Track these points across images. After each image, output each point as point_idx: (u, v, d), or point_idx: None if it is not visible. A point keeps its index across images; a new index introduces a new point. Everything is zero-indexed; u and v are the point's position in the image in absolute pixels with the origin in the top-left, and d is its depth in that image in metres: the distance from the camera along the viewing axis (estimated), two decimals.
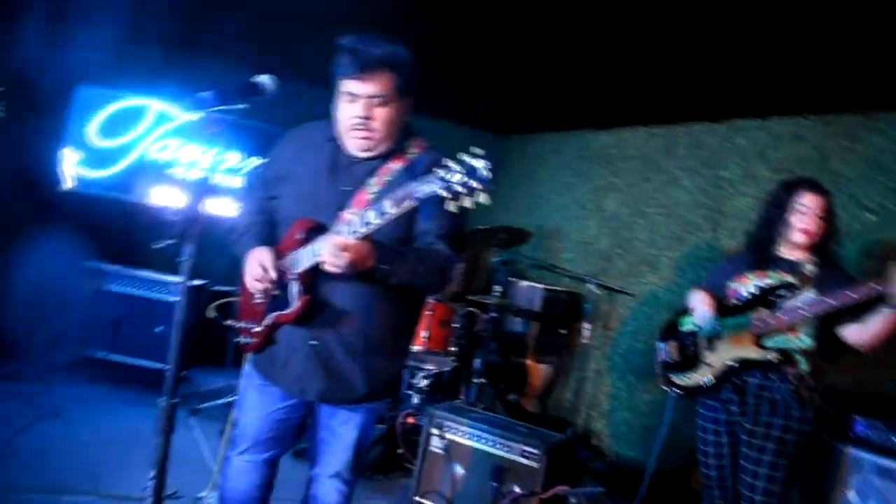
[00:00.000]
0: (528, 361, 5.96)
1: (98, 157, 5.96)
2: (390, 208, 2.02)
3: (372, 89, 2.24)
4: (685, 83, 4.96)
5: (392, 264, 2.23)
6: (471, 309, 5.44)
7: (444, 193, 1.86)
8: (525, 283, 6.11)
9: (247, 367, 2.58)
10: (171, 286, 5.64)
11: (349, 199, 2.31)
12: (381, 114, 2.27)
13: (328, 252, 2.13)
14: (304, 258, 2.29)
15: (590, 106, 6.06)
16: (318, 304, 2.30)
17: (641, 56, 4.86)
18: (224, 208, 5.86)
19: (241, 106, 2.21)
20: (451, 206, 1.88)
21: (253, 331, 2.48)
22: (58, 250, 5.68)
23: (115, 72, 6.01)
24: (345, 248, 2.12)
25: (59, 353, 5.59)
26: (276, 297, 2.37)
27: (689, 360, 3.44)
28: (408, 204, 1.98)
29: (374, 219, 2.07)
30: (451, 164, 1.87)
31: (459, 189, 1.85)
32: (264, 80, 2.26)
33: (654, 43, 4.66)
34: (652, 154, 5.90)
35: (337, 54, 2.26)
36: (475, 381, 5.23)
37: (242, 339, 2.53)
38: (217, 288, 5.65)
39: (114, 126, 5.96)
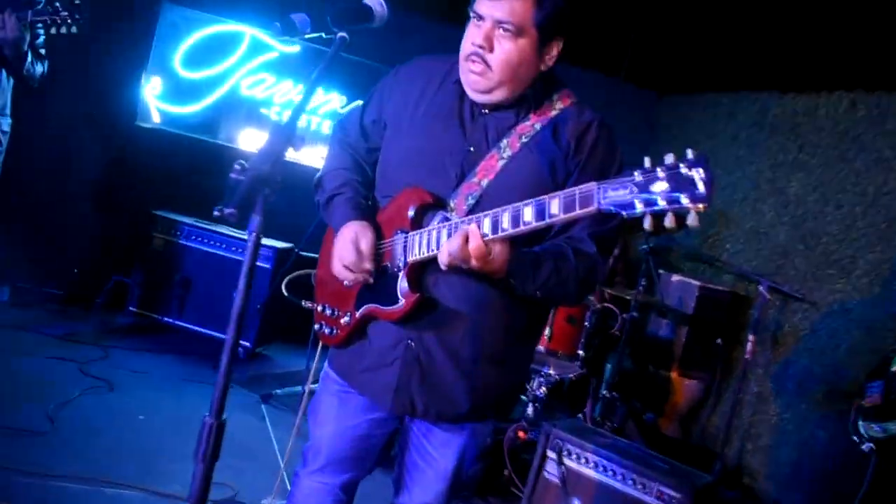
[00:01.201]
0: (672, 374, 5.81)
1: (182, 90, 6.06)
2: (556, 210, 1.86)
3: (501, 11, 2.09)
4: None
5: (524, 280, 2.12)
6: (607, 305, 5.31)
7: (641, 209, 1.67)
8: (677, 278, 5.92)
9: (325, 367, 2.50)
10: (260, 247, 5.61)
11: (475, 163, 2.19)
12: (504, 48, 2.12)
13: (452, 254, 2.00)
14: (415, 245, 2.19)
15: (774, 61, 5.84)
16: (426, 298, 2.21)
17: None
18: (319, 160, 5.84)
19: (342, 35, 2.06)
20: (647, 224, 1.67)
21: (339, 321, 2.38)
22: (127, 193, 5.83)
23: None
24: (477, 255, 1.98)
25: (120, 314, 5.72)
26: (372, 284, 2.28)
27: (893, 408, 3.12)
28: (582, 213, 1.81)
29: (530, 218, 1.92)
30: (658, 171, 1.64)
31: (663, 206, 1.63)
32: (374, 2, 2.13)
33: None
34: (854, 127, 5.50)
35: None
36: (604, 393, 5.08)
37: (323, 328, 2.44)
38: (306, 253, 5.58)
39: (202, 55, 6.04)
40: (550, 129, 2.19)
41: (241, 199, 1.54)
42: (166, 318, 5.73)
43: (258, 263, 5.65)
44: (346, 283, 2.32)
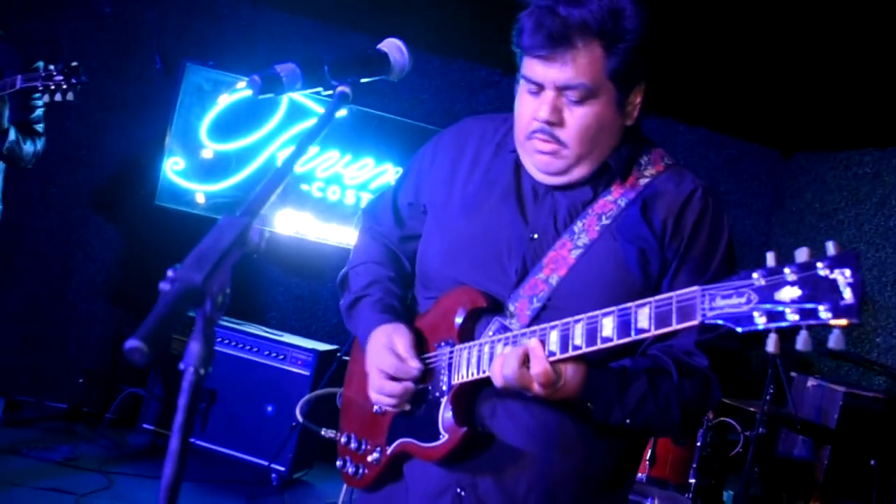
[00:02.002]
0: None
1: (209, 165, 6.08)
2: (645, 323, 1.73)
3: (565, 74, 1.95)
4: None
5: (609, 407, 1.97)
6: (724, 419, 5.13)
7: (763, 323, 1.50)
8: (814, 383, 5.72)
9: None
10: (296, 350, 5.60)
11: (541, 254, 2.07)
12: (578, 117, 1.98)
13: (508, 380, 1.88)
14: (463, 363, 2.07)
15: None
16: (478, 433, 2.08)
17: None
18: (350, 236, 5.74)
19: (343, 89, 1.84)
20: (771, 346, 1.51)
21: (366, 457, 2.28)
22: (143, 287, 5.73)
23: (238, 47, 6.04)
24: (543, 382, 1.85)
25: (132, 432, 5.64)
26: (408, 411, 2.18)
27: None
28: (680, 327, 1.66)
29: (610, 333, 1.78)
30: (786, 272, 1.49)
31: (794, 320, 1.46)
32: (392, 46, 1.94)
33: None
34: None
35: (520, 15, 2.05)
36: None
37: (346, 466, 2.34)
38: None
39: (232, 123, 6.05)
40: (639, 206, 2.05)
41: (154, 324, 1.27)
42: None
43: (295, 370, 5.54)
44: (376, 408, 2.24)
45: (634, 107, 2.07)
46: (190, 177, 6.01)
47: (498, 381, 1.89)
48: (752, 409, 5.07)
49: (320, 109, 6.02)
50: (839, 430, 5.45)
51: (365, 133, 6.05)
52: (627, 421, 1.98)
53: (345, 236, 6.12)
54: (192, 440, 5.43)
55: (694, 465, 4.82)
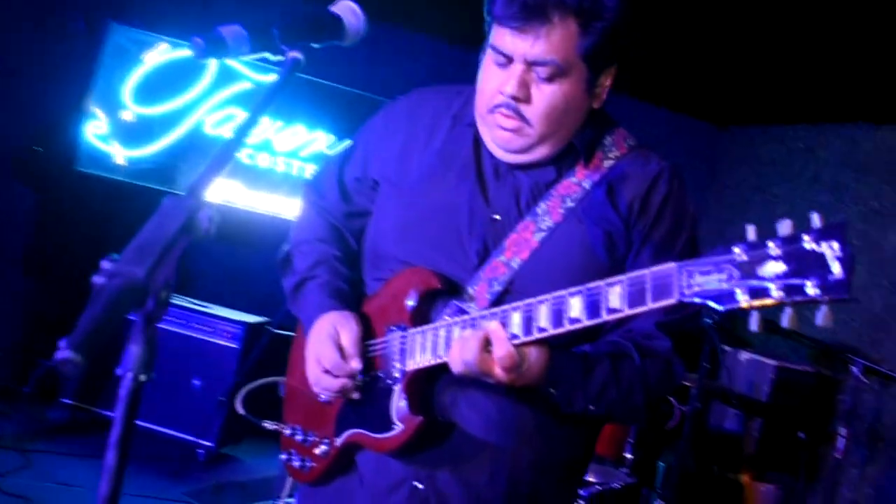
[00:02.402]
0: (744, 478, 5.62)
1: (133, 129, 5.86)
2: (617, 302, 1.63)
3: (537, 49, 1.87)
4: None
5: (571, 393, 1.90)
6: None
7: (745, 301, 1.42)
8: (747, 357, 5.78)
9: None
10: (224, 322, 5.51)
11: (502, 236, 1.99)
12: (546, 95, 1.91)
13: (468, 364, 1.79)
14: (417, 347, 1.97)
15: (865, 87, 5.65)
16: (436, 422, 2.00)
17: None
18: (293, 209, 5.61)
19: (295, 56, 1.69)
20: (754, 324, 1.42)
21: (313, 450, 2.18)
22: (63, 257, 5.66)
23: (162, 9, 5.86)
24: (506, 366, 1.76)
25: (51, 407, 5.46)
26: (358, 400, 2.09)
27: None
28: (657, 306, 1.57)
29: (578, 314, 1.69)
30: (770, 246, 1.40)
31: (779, 297, 1.38)
32: (346, 9, 1.80)
33: None
34: None
35: None
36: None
37: (292, 459, 2.24)
38: (283, 331, 5.31)
39: (157, 86, 5.85)
40: (605, 188, 1.99)
41: (88, 330, 1.11)
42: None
43: (223, 342, 5.40)
44: (322, 396, 2.14)
45: (603, 89, 2.00)
46: (112, 141, 5.79)
47: (457, 368, 1.80)
48: (686, 383, 5.01)
49: (251, 73, 5.84)
50: (770, 403, 5.53)
51: (296, 99, 5.89)
52: (591, 407, 1.91)
53: (275, 204, 6.00)
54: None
55: (630, 441, 4.85)
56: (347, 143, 6.41)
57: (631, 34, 1.97)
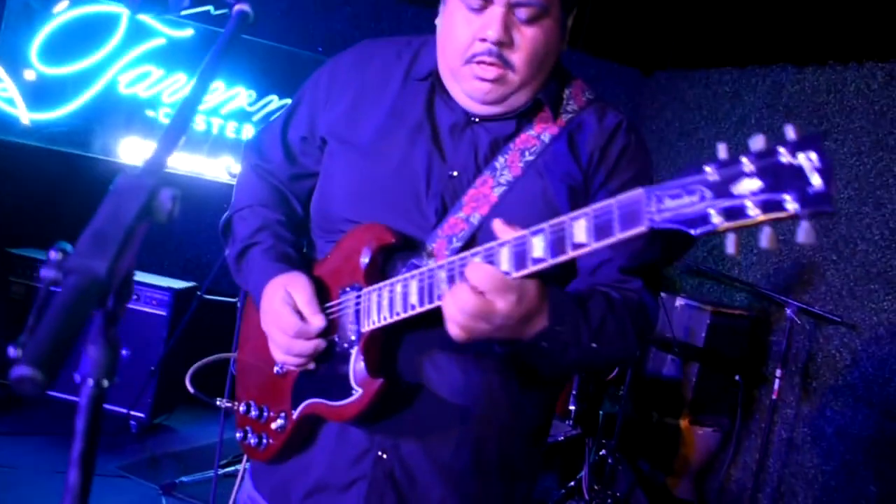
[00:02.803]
0: (682, 423, 5.70)
1: (42, 90, 5.56)
2: (582, 236, 1.50)
3: None
4: None
5: (578, 329, 1.76)
6: None
7: (721, 222, 1.32)
8: (682, 302, 5.80)
9: (245, 486, 2.22)
10: (150, 289, 5.35)
11: (460, 193, 1.91)
12: (529, 37, 1.84)
13: (469, 312, 1.61)
14: (373, 306, 1.86)
15: (788, 30, 5.77)
16: (398, 385, 1.90)
17: None
18: (225, 173, 5.49)
19: (241, 7, 1.54)
20: (731, 246, 1.33)
21: (270, 425, 2.06)
22: None
23: None
24: (500, 286, 1.59)
25: None
26: (314, 368, 1.98)
27: None
28: (626, 235, 1.45)
29: (542, 254, 1.56)
30: (743, 161, 1.30)
31: (755, 214, 1.28)
32: None
33: None
34: (894, 106, 5.41)
35: None
36: (605, 454, 4.97)
37: (248, 437, 2.13)
38: (213, 297, 5.14)
39: (66, 44, 5.55)
40: (565, 140, 1.93)
41: (49, 342, 0.95)
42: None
43: (150, 310, 5.24)
44: (276, 368, 2.05)
45: (568, 31, 1.95)
46: (18, 103, 5.48)
47: (458, 325, 1.63)
48: None
49: (164, 28, 5.57)
50: (706, 348, 5.60)
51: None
52: (594, 345, 1.79)
53: (195, 164, 5.79)
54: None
55: (573, 392, 4.89)
56: (268, 98, 6.20)
57: None
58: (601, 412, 5.15)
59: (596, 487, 4.88)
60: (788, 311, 4.94)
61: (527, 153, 1.92)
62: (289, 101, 2.22)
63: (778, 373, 5.03)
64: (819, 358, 5.45)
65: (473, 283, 1.58)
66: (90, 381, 1.05)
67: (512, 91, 1.87)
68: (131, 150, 5.67)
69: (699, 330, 5.63)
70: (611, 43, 6.75)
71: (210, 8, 1.58)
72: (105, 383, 1.06)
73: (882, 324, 5.16)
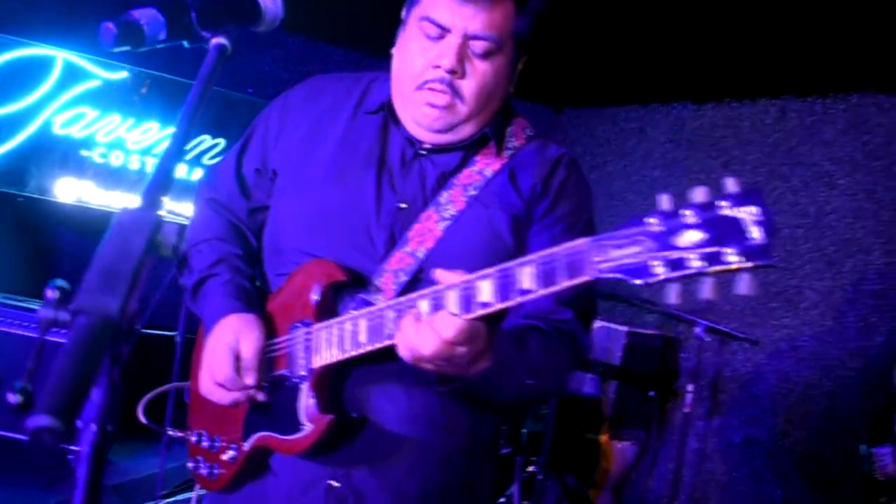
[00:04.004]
0: (602, 438, 5.65)
1: None
2: (528, 283, 1.49)
3: (478, 23, 1.80)
4: (842, 35, 4.68)
5: (514, 367, 1.77)
6: None
7: (663, 273, 1.31)
8: (599, 324, 5.71)
9: None
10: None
11: (408, 226, 1.89)
12: (480, 71, 1.83)
13: (432, 352, 1.59)
14: (323, 343, 1.83)
15: (686, 69, 5.80)
16: (347, 420, 1.87)
17: None
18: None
19: (219, 42, 1.50)
20: (673, 296, 1.33)
21: (221, 456, 2.01)
22: None
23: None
24: (462, 339, 1.57)
25: None
26: (265, 401, 1.94)
27: None
28: (571, 284, 1.45)
29: (489, 298, 1.55)
30: (686, 214, 1.29)
31: (698, 266, 1.28)
32: None
33: None
34: (786, 138, 5.51)
35: None
36: (534, 470, 4.92)
37: (199, 468, 2.07)
38: (152, 331, 5.01)
39: (1, 87, 5.39)
40: (507, 174, 1.91)
41: (66, 389, 0.88)
42: None
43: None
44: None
45: (517, 74, 1.95)
46: None
47: (411, 361, 1.63)
48: None
49: (98, 70, 5.47)
50: (623, 366, 5.55)
51: (148, 95, 5.58)
52: (529, 382, 1.81)
53: (130, 203, 5.67)
54: None
55: None
56: (200, 138, 6.13)
57: (550, 21, 1.93)
58: (524, 430, 5.15)
59: (525, 503, 4.83)
60: (697, 330, 4.93)
61: (470, 188, 1.89)
62: (220, 140, 2.21)
63: (689, 388, 5.02)
64: (726, 372, 5.50)
65: (441, 334, 1.55)
66: (93, 427, 0.99)
67: (459, 121, 1.85)
68: (66, 190, 5.52)
69: (616, 349, 5.58)
70: (524, 83, 6.80)
71: (184, 42, 1.57)
72: (109, 429, 1.00)
73: (783, 339, 5.24)
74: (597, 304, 2.04)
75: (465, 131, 1.88)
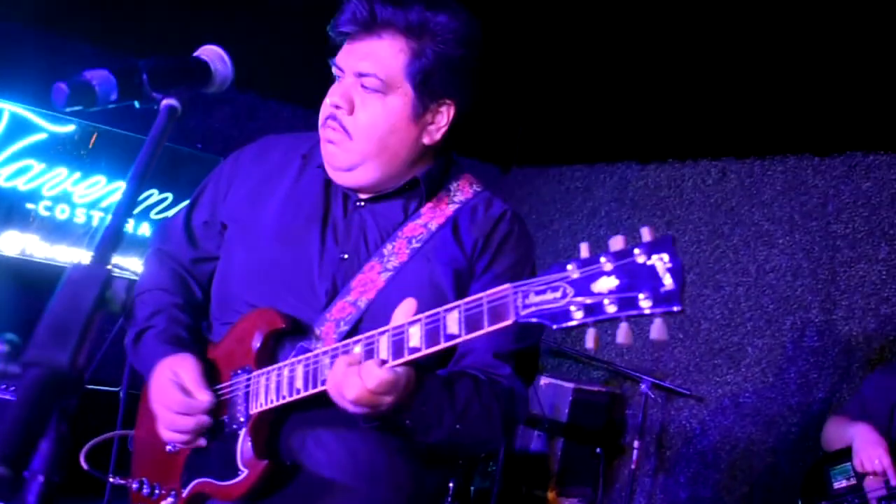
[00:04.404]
0: (549, 495, 5.60)
1: None
2: (455, 328, 1.51)
3: (362, 60, 1.85)
4: (779, 98, 4.82)
5: (441, 413, 1.76)
6: None
7: (580, 318, 1.34)
8: (546, 381, 5.74)
9: None
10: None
11: (350, 276, 1.90)
12: (367, 109, 1.87)
13: (358, 393, 1.60)
14: (261, 389, 1.84)
15: (630, 130, 5.90)
16: (282, 466, 1.87)
17: (708, 58, 4.78)
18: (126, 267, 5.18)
19: (169, 103, 1.52)
20: (590, 341, 1.35)
21: (160, 503, 2.02)
22: None
23: None
24: (391, 387, 1.59)
25: None
26: (204, 447, 1.94)
27: None
28: (494, 328, 1.46)
29: (418, 343, 1.57)
30: (602, 261, 1.33)
31: (612, 312, 1.30)
32: (213, 55, 1.64)
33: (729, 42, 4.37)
34: (727, 198, 5.62)
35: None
36: None
37: None
38: (95, 386, 4.89)
39: None
40: (450, 228, 1.92)
41: (15, 438, 0.89)
42: None
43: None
44: (169, 447, 2.00)
45: (438, 127, 1.93)
46: None
47: (350, 408, 1.63)
48: None
49: (45, 123, 5.40)
50: (569, 423, 5.55)
51: (95, 149, 5.53)
52: (457, 426, 1.77)
53: (76, 257, 5.55)
54: None
55: None
56: (149, 192, 6.06)
57: (472, 72, 1.91)
58: (472, 487, 5.11)
59: None
60: (643, 387, 4.98)
61: (413, 241, 1.90)
62: (169, 195, 2.20)
63: (635, 444, 5.05)
64: (672, 428, 5.51)
65: (366, 384, 1.56)
66: (40, 478, 0.99)
67: (355, 161, 1.87)
68: (10, 243, 5.41)
69: (562, 406, 5.57)
70: (471, 141, 6.85)
71: (135, 102, 1.57)
72: (55, 479, 1.01)
73: (726, 395, 5.27)
74: (537, 360, 2.04)
75: (366, 174, 1.88)
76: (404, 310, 1.59)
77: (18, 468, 0.85)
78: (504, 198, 2.09)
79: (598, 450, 5.49)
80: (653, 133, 5.79)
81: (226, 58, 1.65)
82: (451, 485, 4.69)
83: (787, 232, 5.19)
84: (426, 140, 1.92)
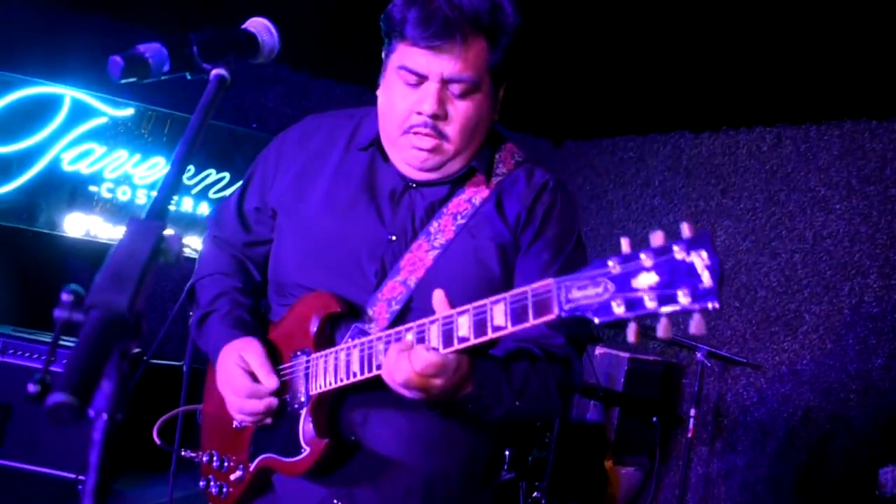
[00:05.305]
0: (607, 464, 5.63)
1: None
2: (501, 320, 1.57)
3: (453, 67, 1.83)
4: (834, 63, 4.64)
5: (499, 391, 1.81)
6: None
7: (621, 313, 1.37)
8: (601, 351, 5.77)
9: None
10: None
11: (399, 256, 1.93)
12: (462, 111, 1.87)
13: (407, 376, 1.65)
14: (320, 371, 1.90)
15: (683, 99, 5.77)
16: (343, 443, 1.93)
17: (761, 29, 4.56)
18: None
19: (219, 72, 1.53)
20: (631, 335, 1.38)
21: (230, 476, 2.07)
22: None
23: (12, 47, 5.46)
24: (440, 370, 1.64)
25: None
26: (269, 424, 2.00)
27: None
28: (538, 322, 1.51)
29: (466, 333, 1.63)
30: (642, 257, 1.34)
31: (652, 307, 1.33)
32: (260, 26, 1.66)
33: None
34: (782, 165, 5.55)
35: (394, 4, 1.89)
36: (538, 496, 4.84)
37: (210, 486, 2.13)
38: (159, 361, 5.00)
39: (10, 124, 5.47)
40: (493, 202, 1.96)
41: (80, 371, 0.95)
42: None
43: None
44: (236, 423, 2.06)
45: (499, 102, 1.97)
46: None
47: (399, 391, 1.69)
48: None
49: (105, 108, 5.53)
50: (625, 392, 5.56)
51: (154, 131, 5.64)
52: (517, 403, 1.82)
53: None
54: None
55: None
56: (206, 172, 6.16)
57: (522, 48, 1.93)
58: (530, 457, 5.14)
59: None
60: (699, 355, 4.94)
61: (459, 217, 1.93)
62: (225, 174, 2.24)
63: (692, 413, 5.01)
64: (728, 397, 5.47)
65: (413, 366, 1.62)
66: (104, 416, 1.02)
67: (448, 159, 1.89)
68: (75, 225, 5.56)
69: (618, 376, 5.59)
70: (524, 117, 6.78)
71: (186, 73, 1.60)
72: (118, 417, 1.03)
73: (783, 363, 5.22)
74: (589, 328, 2.04)
75: (454, 167, 1.91)
76: (437, 301, 1.65)
77: (84, 398, 0.88)
78: (557, 170, 2.09)
79: (654, 419, 5.50)
80: (706, 101, 5.69)
81: (272, 29, 1.66)
82: (507, 453, 4.74)
83: (845, 197, 5.10)
84: (495, 118, 1.97)
